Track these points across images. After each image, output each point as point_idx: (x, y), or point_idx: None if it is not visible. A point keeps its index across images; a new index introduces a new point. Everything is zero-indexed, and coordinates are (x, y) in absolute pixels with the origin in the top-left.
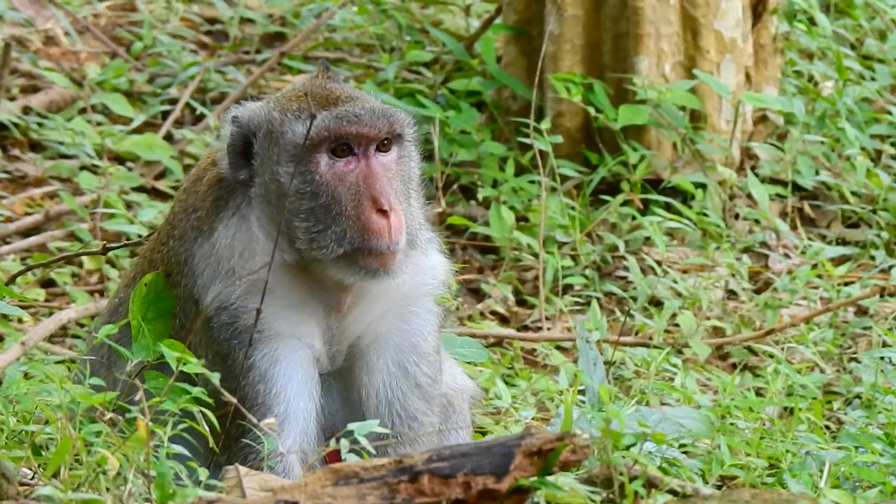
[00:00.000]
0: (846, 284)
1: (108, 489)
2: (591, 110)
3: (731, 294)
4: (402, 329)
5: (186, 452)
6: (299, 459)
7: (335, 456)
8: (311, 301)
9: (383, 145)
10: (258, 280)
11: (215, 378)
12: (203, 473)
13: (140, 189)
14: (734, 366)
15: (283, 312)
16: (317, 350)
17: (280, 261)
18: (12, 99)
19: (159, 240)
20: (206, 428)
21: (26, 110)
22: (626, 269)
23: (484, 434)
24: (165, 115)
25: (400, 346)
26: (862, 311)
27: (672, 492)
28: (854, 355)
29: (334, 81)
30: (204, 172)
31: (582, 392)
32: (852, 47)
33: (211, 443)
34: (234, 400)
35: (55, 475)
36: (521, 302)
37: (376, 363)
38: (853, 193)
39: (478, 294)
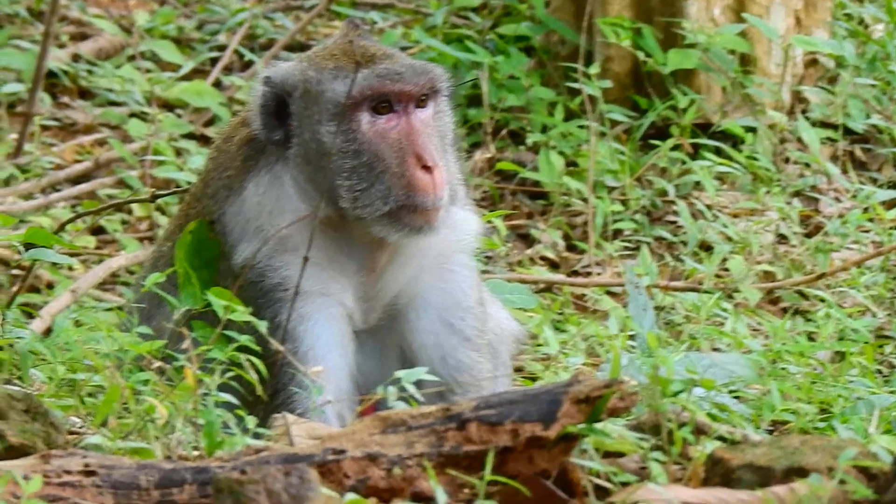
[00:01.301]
0: None
1: (156, 438)
2: (640, 55)
3: (782, 238)
4: (440, 287)
5: (234, 401)
6: (334, 414)
7: (371, 410)
8: (341, 259)
9: (421, 101)
10: (286, 238)
11: (262, 326)
12: (251, 422)
13: (189, 136)
14: (785, 310)
15: (311, 270)
16: (349, 307)
17: (319, 222)
18: (62, 46)
19: (194, 195)
20: (255, 376)
21: (75, 58)
22: (675, 213)
23: (533, 380)
24: (214, 61)
25: (442, 304)
26: None
27: (721, 438)
28: None
29: (365, 39)
30: (235, 131)
31: (632, 338)
32: None
33: (259, 391)
34: (282, 348)
35: (103, 424)
36: (570, 247)
37: (418, 322)
38: None
39: (527, 240)
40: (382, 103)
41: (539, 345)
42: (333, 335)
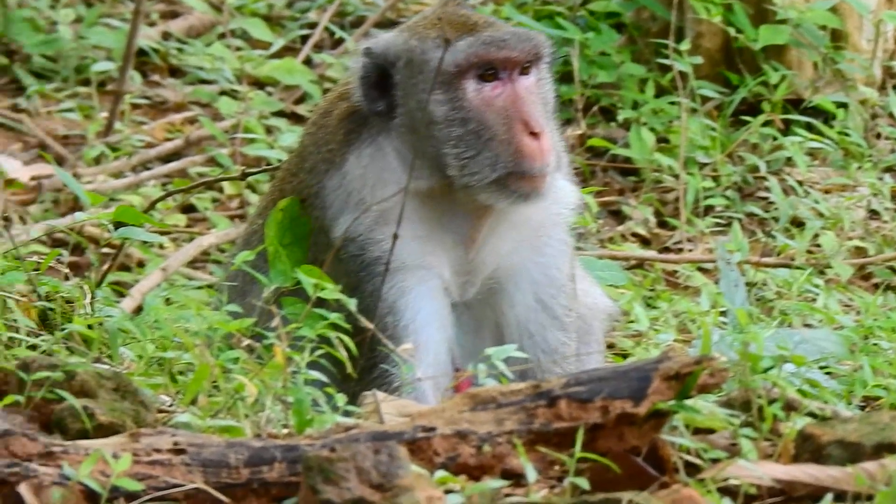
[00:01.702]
0: None
1: (245, 416)
2: (731, 31)
3: (874, 214)
4: (537, 262)
5: (324, 379)
6: (432, 388)
7: (466, 385)
8: (439, 231)
9: (525, 69)
10: (387, 211)
11: (352, 304)
12: (341, 400)
13: (279, 113)
14: (876, 286)
15: (410, 243)
16: (446, 280)
17: (411, 191)
18: (152, 24)
19: (289, 171)
20: (344, 354)
21: (166, 36)
22: (767, 189)
23: (624, 357)
24: (304, 39)
25: (537, 279)
26: None
27: (811, 414)
28: None
29: (465, 8)
30: (333, 106)
31: (723, 314)
32: None
33: (349, 369)
34: (372, 326)
35: (193, 402)
36: (661, 223)
37: (515, 296)
38: None
39: (618, 216)
40: (488, 71)
41: (630, 321)
42: (433, 309)
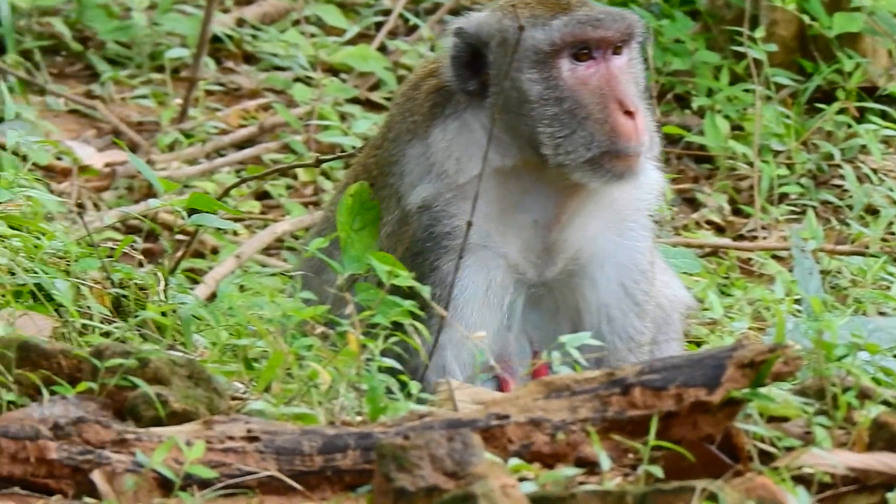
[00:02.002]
0: None
1: (319, 403)
2: (806, 18)
3: None
4: (622, 245)
5: (398, 366)
6: (458, 363)
7: (543, 371)
8: (514, 211)
9: (618, 48)
10: (466, 186)
11: (425, 291)
12: (414, 387)
13: (354, 100)
14: None
15: (478, 223)
16: (514, 260)
17: (494, 170)
18: (226, 11)
19: (373, 145)
20: (418, 341)
21: (240, 22)
22: (841, 177)
23: (699, 345)
24: (379, 25)
25: (622, 264)
26: None
27: (886, 402)
28: None
29: None
30: (423, 81)
31: (797, 302)
32: None
33: (423, 356)
34: (445, 313)
35: (267, 389)
36: (736, 211)
37: (599, 280)
38: None
39: (693, 203)
40: (583, 50)
41: (705, 309)
42: (483, 289)
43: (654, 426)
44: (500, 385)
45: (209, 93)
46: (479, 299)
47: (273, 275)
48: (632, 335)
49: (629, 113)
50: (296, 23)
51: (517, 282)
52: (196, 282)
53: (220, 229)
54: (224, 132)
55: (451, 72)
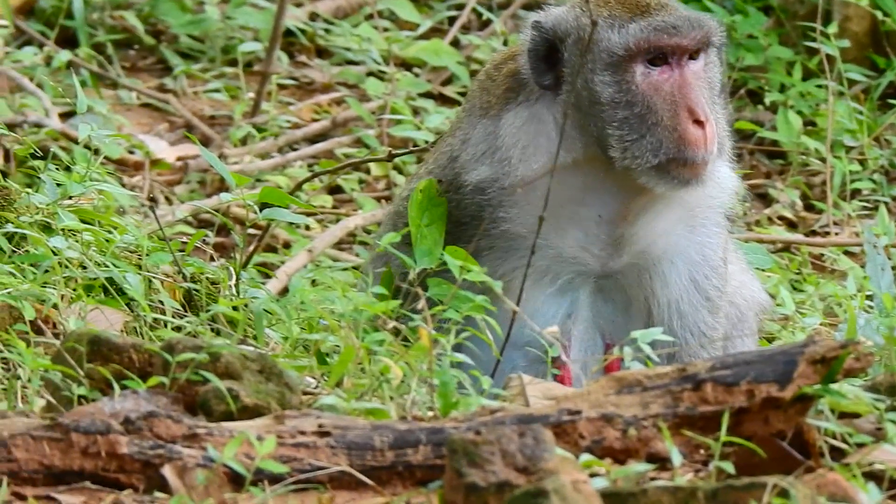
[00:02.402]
0: None
1: (391, 398)
2: (879, 14)
3: None
4: (692, 241)
5: (469, 361)
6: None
7: (615, 366)
8: (573, 206)
9: (694, 54)
10: (525, 177)
11: (497, 287)
12: (486, 382)
13: (426, 95)
14: None
15: (532, 216)
16: (571, 255)
17: (558, 164)
18: (299, 5)
19: (453, 124)
20: (490, 336)
21: (313, 16)
22: None
23: (770, 341)
24: (452, 20)
25: (693, 260)
26: None
27: None
28: None
29: None
30: (503, 63)
31: (869, 298)
32: None
33: (494, 351)
34: (518, 308)
35: (338, 384)
36: (808, 207)
37: (670, 275)
38: None
39: (765, 199)
40: (658, 56)
41: (777, 305)
42: (539, 282)
43: (725, 422)
44: (558, 380)
45: (282, 87)
46: (536, 294)
47: (345, 269)
48: (703, 330)
49: (699, 122)
50: (369, 17)
51: (579, 274)
52: (268, 276)
53: (292, 224)
54: (297, 126)
55: (527, 65)
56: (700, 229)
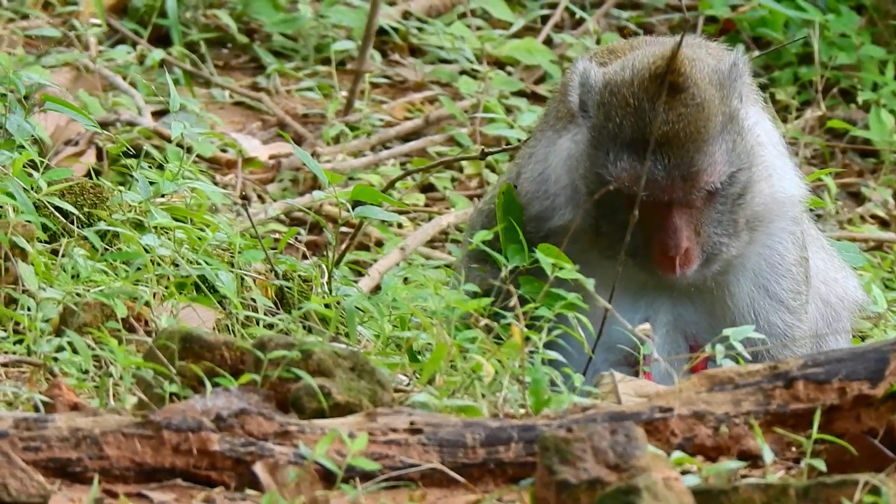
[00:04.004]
0: None
1: (482, 395)
2: None
3: None
4: (757, 252)
5: (561, 358)
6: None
7: (702, 366)
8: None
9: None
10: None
11: (589, 284)
12: (578, 380)
13: (519, 93)
14: None
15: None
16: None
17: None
18: (392, 4)
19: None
20: (582, 334)
21: (406, 15)
22: None
23: (862, 339)
24: (545, 18)
25: (758, 268)
26: None
27: None
28: None
29: (682, 81)
30: (567, 77)
31: None
32: None
33: (586, 349)
34: (609, 305)
35: (430, 382)
36: None
37: (737, 283)
38: None
39: (857, 198)
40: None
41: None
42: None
43: (816, 419)
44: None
45: (375, 85)
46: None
47: (437, 267)
48: (783, 330)
49: (670, 256)
50: (462, 16)
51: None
52: (360, 274)
53: (384, 222)
54: (389, 125)
55: (573, 98)
56: (765, 239)
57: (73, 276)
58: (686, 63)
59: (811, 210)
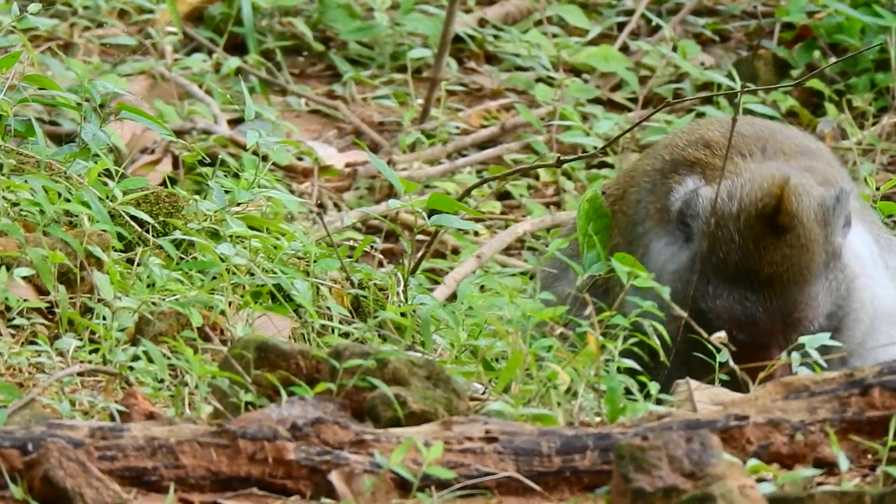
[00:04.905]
0: None
1: (558, 404)
2: None
3: None
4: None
5: (637, 367)
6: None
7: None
8: None
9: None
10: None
11: (665, 292)
12: (654, 388)
13: (596, 101)
14: None
15: None
16: None
17: None
18: (468, 11)
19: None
20: (657, 342)
21: (482, 23)
22: None
23: None
24: (621, 26)
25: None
26: None
27: None
28: None
29: (788, 222)
30: (671, 172)
31: None
32: None
33: (662, 357)
34: (685, 314)
35: (506, 390)
36: None
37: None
38: None
39: None
40: None
41: None
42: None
43: (892, 427)
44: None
45: (451, 93)
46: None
47: (513, 275)
48: (859, 342)
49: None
50: (538, 23)
51: None
52: (436, 282)
53: (460, 230)
54: (465, 132)
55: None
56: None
57: (148, 286)
58: (793, 200)
59: (890, 217)
